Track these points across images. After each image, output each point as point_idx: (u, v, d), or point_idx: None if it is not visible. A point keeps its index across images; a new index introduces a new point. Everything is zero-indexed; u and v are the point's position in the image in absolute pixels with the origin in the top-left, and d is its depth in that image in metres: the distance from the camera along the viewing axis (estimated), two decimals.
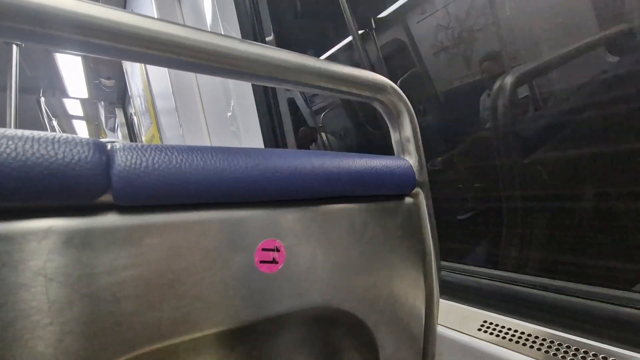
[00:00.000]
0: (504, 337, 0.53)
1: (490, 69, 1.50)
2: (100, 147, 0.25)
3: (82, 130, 5.25)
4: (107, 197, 0.25)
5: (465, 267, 0.68)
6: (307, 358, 0.40)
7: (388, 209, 0.42)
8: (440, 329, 0.57)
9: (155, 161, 0.26)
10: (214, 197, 0.29)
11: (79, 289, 0.24)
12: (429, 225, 0.47)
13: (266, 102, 1.26)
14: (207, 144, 1.49)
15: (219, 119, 1.39)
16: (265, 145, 1.28)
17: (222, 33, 1.39)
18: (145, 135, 2.20)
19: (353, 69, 0.42)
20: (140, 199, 0.26)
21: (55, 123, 4.14)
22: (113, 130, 4.54)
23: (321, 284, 0.36)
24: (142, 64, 1.96)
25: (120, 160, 0.25)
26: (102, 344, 0.24)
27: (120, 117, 4.06)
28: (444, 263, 0.73)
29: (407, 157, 0.47)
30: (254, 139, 1.28)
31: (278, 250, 0.33)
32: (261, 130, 1.25)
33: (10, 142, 0.22)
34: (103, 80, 3.60)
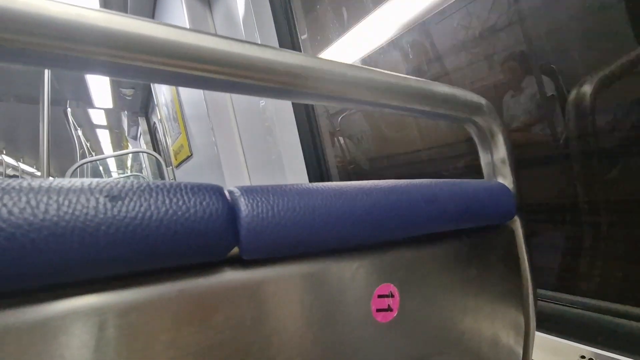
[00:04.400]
0: None
1: (512, 68, 1.45)
2: (220, 194, 0.22)
3: (104, 138, 5.38)
4: (233, 252, 0.22)
5: (556, 294, 0.63)
6: None
7: (489, 240, 0.38)
8: None
9: (280, 208, 0.24)
10: (334, 243, 0.26)
11: (212, 358, 0.21)
12: (526, 254, 0.43)
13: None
14: (240, 150, 1.47)
15: (253, 126, 1.37)
16: (303, 147, 1.24)
17: (259, 42, 1.38)
18: (173, 145, 2.21)
19: (444, 85, 0.38)
20: (267, 251, 0.23)
21: (80, 132, 4.25)
22: (135, 138, 4.63)
23: (433, 331, 0.32)
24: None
25: (246, 209, 0.22)
26: None
27: (143, 126, 4.12)
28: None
29: (500, 180, 0.43)
30: (291, 143, 1.25)
31: (392, 296, 0.30)
32: (299, 134, 1.22)
33: (142, 200, 0.19)
34: (123, 90, 3.67)
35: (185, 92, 1.77)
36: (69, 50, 0.19)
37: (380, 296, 0.29)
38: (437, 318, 0.33)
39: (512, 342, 0.41)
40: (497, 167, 0.43)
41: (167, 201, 0.20)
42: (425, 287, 0.32)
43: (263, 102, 1.26)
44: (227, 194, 0.23)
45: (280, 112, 1.25)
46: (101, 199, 0.18)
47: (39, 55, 0.18)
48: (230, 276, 0.22)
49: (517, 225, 0.42)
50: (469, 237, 0.36)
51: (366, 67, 0.33)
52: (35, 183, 0.17)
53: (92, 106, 3.78)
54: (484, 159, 0.44)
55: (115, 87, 3.35)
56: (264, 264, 0.24)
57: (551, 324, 0.57)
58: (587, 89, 0.64)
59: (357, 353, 0.28)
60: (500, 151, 0.42)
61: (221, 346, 0.21)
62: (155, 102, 2.67)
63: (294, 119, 1.21)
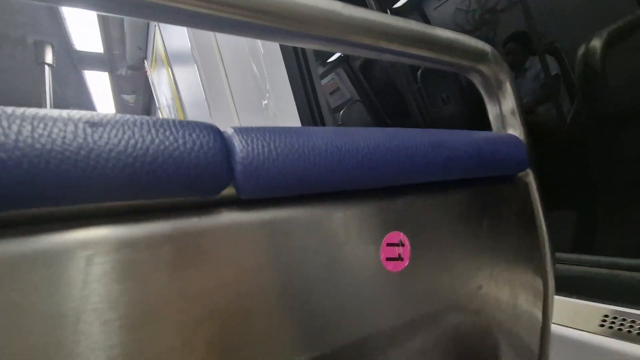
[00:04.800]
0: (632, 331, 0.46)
1: (514, 50, 1.41)
2: (217, 131, 0.21)
3: None
4: (229, 191, 0.21)
5: (574, 256, 0.60)
6: None
7: (501, 192, 0.37)
8: (554, 328, 0.50)
9: (277, 146, 0.22)
10: (337, 185, 0.25)
11: (207, 305, 0.19)
12: (541, 209, 0.41)
13: (304, 91, 1.21)
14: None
15: (254, 119, 1.36)
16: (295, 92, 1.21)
17: None
18: None
19: (449, 31, 0.36)
20: (265, 191, 0.21)
21: None
22: None
23: (449, 281, 0.31)
24: (170, 74, 1.97)
25: (242, 146, 0.21)
26: None
27: None
28: None
29: (510, 132, 0.41)
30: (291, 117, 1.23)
31: (403, 245, 0.28)
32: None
33: (125, 128, 0.18)
34: (125, 97, 3.68)
35: (186, 92, 1.76)
36: None
37: (389, 244, 0.27)
38: (451, 270, 0.31)
39: (530, 303, 0.39)
40: (506, 118, 0.41)
41: (153, 131, 0.18)
42: (437, 237, 0.30)
43: (266, 98, 1.25)
44: (222, 131, 0.22)
45: (282, 111, 1.24)
46: (80, 125, 0.16)
47: None
48: (227, 217, 0.21)
49: (531, 178, 0.40)
50: (482, 187, 0.34)
51: (363, 8, 0.31)
52: (9, 109, 0.16)
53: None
54: (491, 111, 0.42)
55: (117, 93, 3.37)
56: (263, 205, 0.22)
57: (570, 286, 0.55)
58: (597, 43, 0.61)
59: (365, 303, 0.26)
60: (509, 102, 0.40)
61: (216, 291, 0.20)
62: (157, 106, 2.67)
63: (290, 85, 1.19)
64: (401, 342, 0.29)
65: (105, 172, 0.16)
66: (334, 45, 0.30)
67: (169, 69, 1.90)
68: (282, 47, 1.25)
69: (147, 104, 3.80)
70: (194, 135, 0.19)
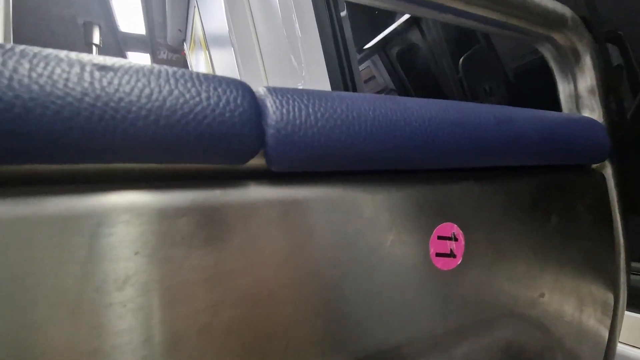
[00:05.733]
0: None
1: None
2: (247, 89, 0.18)
3: None
4: (257, 161, 0.18)
5: None
6: None
7: (574, 184, 0.31)
8: (620, 348, 0.44)
9: (316, 110, 0.18)
10: (385, 162, 0.21)
11: (227, 287, 0.17)
12: (618, 207, 0.34)
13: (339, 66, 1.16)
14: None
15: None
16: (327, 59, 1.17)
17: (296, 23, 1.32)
18: None
19: None
20: (300, 163, 0.18)
21: None
22: None
23: (506, 286, 0.26)
24: (207, 57, 1.98)
25: (275, 108, 0.18)
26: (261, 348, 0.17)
27: None
28: None
29: (587, 115, 0.34)
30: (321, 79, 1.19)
31: (456, 240, 0.24)
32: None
33: (140, 75, 0.15)
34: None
35: (221, 74, 1.76)
36: None
37: (440, 237, 0.23)
38: (510, 273, 0.26)
39: (599, 315, 0.34)
40: (583, 98, 0.34)
41: (172, 82, 0.15)
42: (496, 233, 0.26)
43: (301, 84, 1.21)
44: (254, 90, 0.19)
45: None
46: (88, 67, 0.14)
47: None
48: (254, 191, 0.18)
49: (609, 171, 0.34)
50: (551, 177, 0.29)
51: None
52: (8, 45, 0.13)
53: None
54: (563, 89, 0.35)
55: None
56: (297, 180, 0.19)
57: None
58: None
59: (407, 304, 0.22)
60: (588, 78, 0.34)
61: (238, 273, 0.17)
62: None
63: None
64: (446, 350, 0.25)
65: (112, 126, 0.13)
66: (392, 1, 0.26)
67: (207, 51, 1.91)
68: (319, 29, 1.20)
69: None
70: (219, 89, 0.16)
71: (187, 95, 0.15)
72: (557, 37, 0.33)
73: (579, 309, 0.32)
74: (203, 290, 0.16)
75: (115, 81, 0.14)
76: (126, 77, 0.14)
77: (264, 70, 1.38)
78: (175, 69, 0.16)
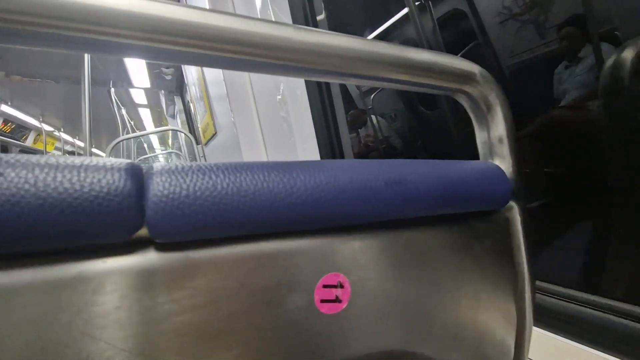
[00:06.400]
0: None
1: (570, 35, 1.27)
2: (132, 173, 0.21)
3: (146, 117, 5.67)
4: (142, 233, 0.21)
5: (561, 289, 0.56)
6: None
7: (475, 229, 0.34)
8: None
9: (197, 187, 0.22)
10: (266, 227, 0.24)
11: (116, 343, 0.20)
12: (523, 244, 0.38)
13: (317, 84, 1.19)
14: (257, 128, 1.47)
15: (268, 103, 1.36)
16: (316, 128, 1.22)
17: (272, 18, 1.33)
18: (200, 123, 2.27)
19: (432, 52, 0.33)
20: (179, 234, 0.21)
21: (124, 112, 4.50)
22: (173, 117, 4.83)
23: (394, 323, 0.29)
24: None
25: (156, 189, 0.21)
26: None
27: (178, 104, 4.28)
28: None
29: (497, 162, 0.37)
30: (304, 121, 1.22)
31: (342, 287, 0.27)
32: (311, 111, 1.18)
33: (28, 174, 0.18)
34: (163, 69, 3.79)
35: (209, 72, 1.78)
36: (98, 34, 0.21)
37: (326, 286, 0.26)
38: (400, 311, 0.30)
39: (502, 338, 0.37)
40: (494, 146, 0.37)
41: (58, 176, 0.18)
42: (386, 276, 0.29)
43: (281, 89, 1.24)
44: (144, 169, 0.22)
45: (294, 102, 1.22)
46: None
47: (75, 40, 0.21)
48: (140, 260, 0.21)
49: (514, 212, 0.37)
50: (449, 225, 0.32)
51: (329, 31, 0.29)
52: None
53: (131, 86, 3.97)
54: (479, 136, 0.38)
55: (151, 68, 3.48)
56: (183, 248, 0.22)
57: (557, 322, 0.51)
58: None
59: (300, 347, 0.26)
60: (499, 128, 0.37)
61: (132, 337, 0.20)
62: (186, 82, 2.73)
63: (307, 98, 1.18)
64: None
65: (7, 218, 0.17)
66: (325, 76, 0.29)
67: None
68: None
69: (180, 79, 3.90)
70: (103, 180, 0.19)
71: (73, 186, 0.18)
72: (469, 89, 0.36)
73: (486, 335, 0.36)
74: (93, 347, 0.20)
75: (4, 185, 0.17)
76: (17, 177, 0.17)
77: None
78: (66, 160, 0.19)
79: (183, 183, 0.21)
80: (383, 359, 0.30)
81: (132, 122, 5.15)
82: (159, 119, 5.57)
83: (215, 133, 1.88)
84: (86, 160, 0.20)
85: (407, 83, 0.33)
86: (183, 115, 4.24)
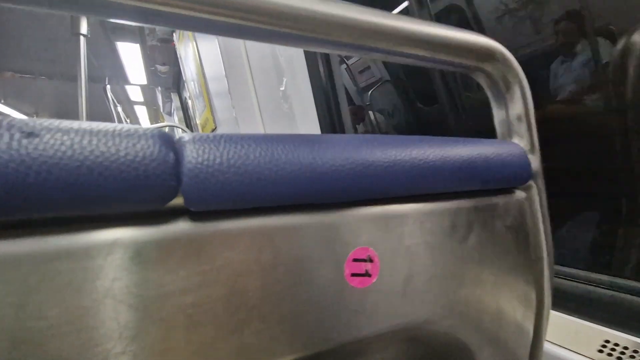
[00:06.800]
0: None
1: (566, 30, 1.27)
2: (166, 140, 0.20)
3: (142, 114, 5.62)
4: (177, 202, 0.20)
5: (580, 272, 0.57)
6: None
7: (496, 206, 0.34)
8: (547, 347, 0.48)
9: (230, 156, 0.21)
10: (298, 198, 0.24)
11: (151, 313, 0.20)
12: (542, 225, 0.38)
13: (322, 77, 1.18)
14: (260, 123, 1.46)
15: (271, 99, 1.35)
16: (321, 127, 1.22)
17: None
18: (199, 118, 2.25)
19: (452, 29, 0.33)
20: (214, 202, 0.21)
21: (120, 109, 4.45)
22: (170, 114, 4.79)
23: (419, 299, 0.29)
24: (195, 49, 1.98)
25: (191, 156, 0.20)
26: None
27: (175, 102, 4.24)
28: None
29: (516, 141, 0.37)
30: (307, 116, 1.22)
31: (371, 261, 0.27)
32: (316, 110, 1.18)
33: (64, 137, 0.17)
34: (158, 67, 3.76)
35: (208, 67, 1.77)
36: None
37: (356, 260, 0.26)
38: (425, 286, 0.30)
39: (520, 319, 0.37)
40: (513, 125, 0.37)
41: (94, 140, 0.18)
42: (413, 252, 0.29)
43: (282, 87, 1.23)
44: (175, 138, 0.21)
45: (297, 96, 1.21)
46: (16, 135, 0.16)
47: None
48: (175, 229, 0.21)
49: (533, 192, 0.37)
50: (471, 201, 0.32)
51: (356, 5, 0.28)
52: None
53: (128, 83, 3.93)
54: (497, 115, 0.38)
55: (148, 64, 3.44)
56: (215, 217, 0.22)
57: (572, 304, 0.52)
58: None
59: (331, 321, 0.25)
60: (517, 106, 0.37)
61: (164, 303, 0.20)
62: (184, 78, 2.71)
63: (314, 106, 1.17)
64: (368, 355, 0.28)
65: (37, 185, 0.16)
66: (321, 46, 0.28)
67: (194, 43, 1.90)
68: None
69: (177, 76, 3.87)
70: (137, 145, 0.19)
71: (106, 153, 0.18)
72: (488, 68, 0.35)
73: (506, 314, 0.36)
74: (128, 323, 0.19)
75: (41, 147, 0.17)
76: (51, 141, 0.17)
77: (249, 68, 1.39)
78: (101, 126, 0.19)
79: (216, 151, 0.21)
80: (406, 334, 0.30)
81: (129, 120, 5.10)
82: (155, 117, 5.52)
83: (215, 128, 1.87)
84: (118, 126, 0.19)
85: (424, 59, 0.33)
86: (180, 113, 4.21)
